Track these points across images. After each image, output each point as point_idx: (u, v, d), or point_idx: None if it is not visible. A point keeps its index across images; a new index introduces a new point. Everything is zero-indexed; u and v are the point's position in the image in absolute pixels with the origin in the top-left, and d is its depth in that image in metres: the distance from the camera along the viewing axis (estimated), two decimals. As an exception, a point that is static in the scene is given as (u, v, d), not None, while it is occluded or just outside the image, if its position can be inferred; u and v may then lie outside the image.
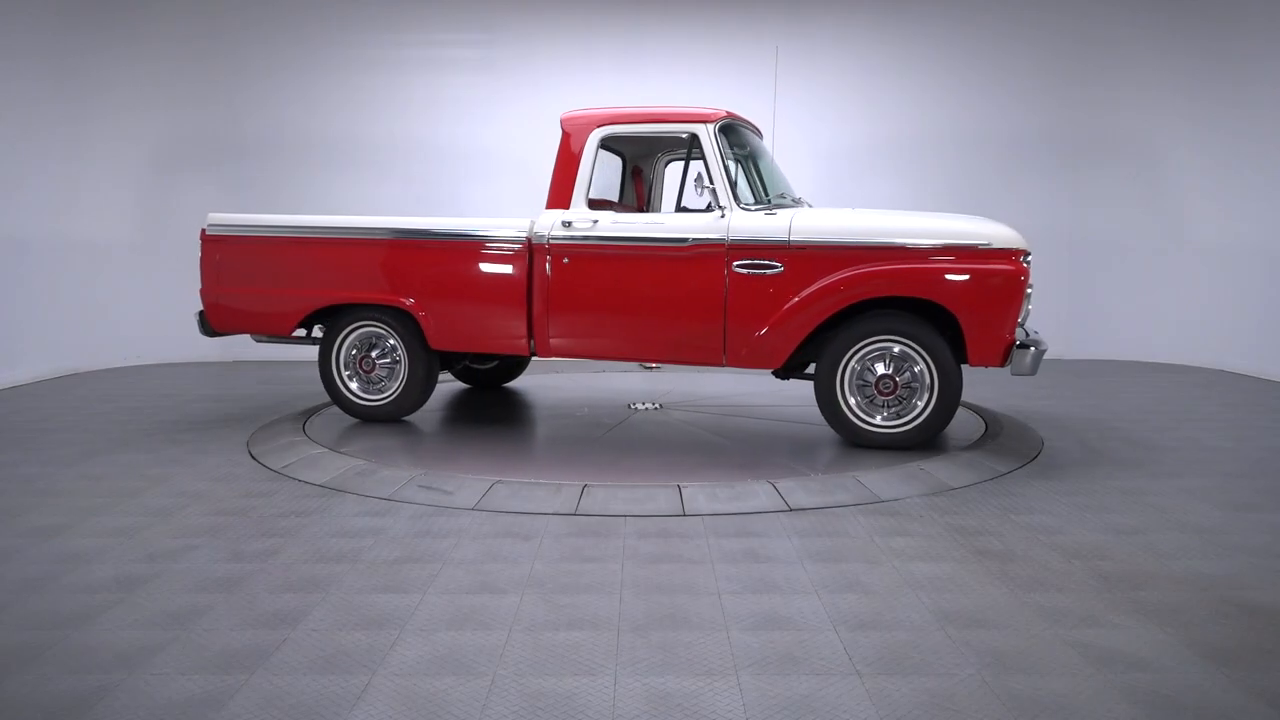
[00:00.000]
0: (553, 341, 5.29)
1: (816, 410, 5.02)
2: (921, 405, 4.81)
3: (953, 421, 5.67)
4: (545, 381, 7.38)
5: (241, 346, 8.80)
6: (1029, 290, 4.75)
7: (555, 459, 4.83)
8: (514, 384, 7.23)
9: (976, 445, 5.04)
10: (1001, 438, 5.22)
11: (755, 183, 5.53)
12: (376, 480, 4.39)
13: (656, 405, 6.20)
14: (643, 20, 8.90)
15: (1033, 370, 4.66)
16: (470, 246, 5.35)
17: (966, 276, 4.67)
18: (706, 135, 5.01)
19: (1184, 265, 8.57)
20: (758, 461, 4.69)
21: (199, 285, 5.80)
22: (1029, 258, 4.75)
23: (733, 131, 5.26)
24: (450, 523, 3.85)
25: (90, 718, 2.29)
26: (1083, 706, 2.33)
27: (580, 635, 2.76)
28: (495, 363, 6.99)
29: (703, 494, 4.12)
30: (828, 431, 5.15)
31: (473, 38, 8.91)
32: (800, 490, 4.17)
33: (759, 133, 5.85)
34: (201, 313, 5.84)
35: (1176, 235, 8.65)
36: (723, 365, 5.05)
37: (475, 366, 7.05)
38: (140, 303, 8.66)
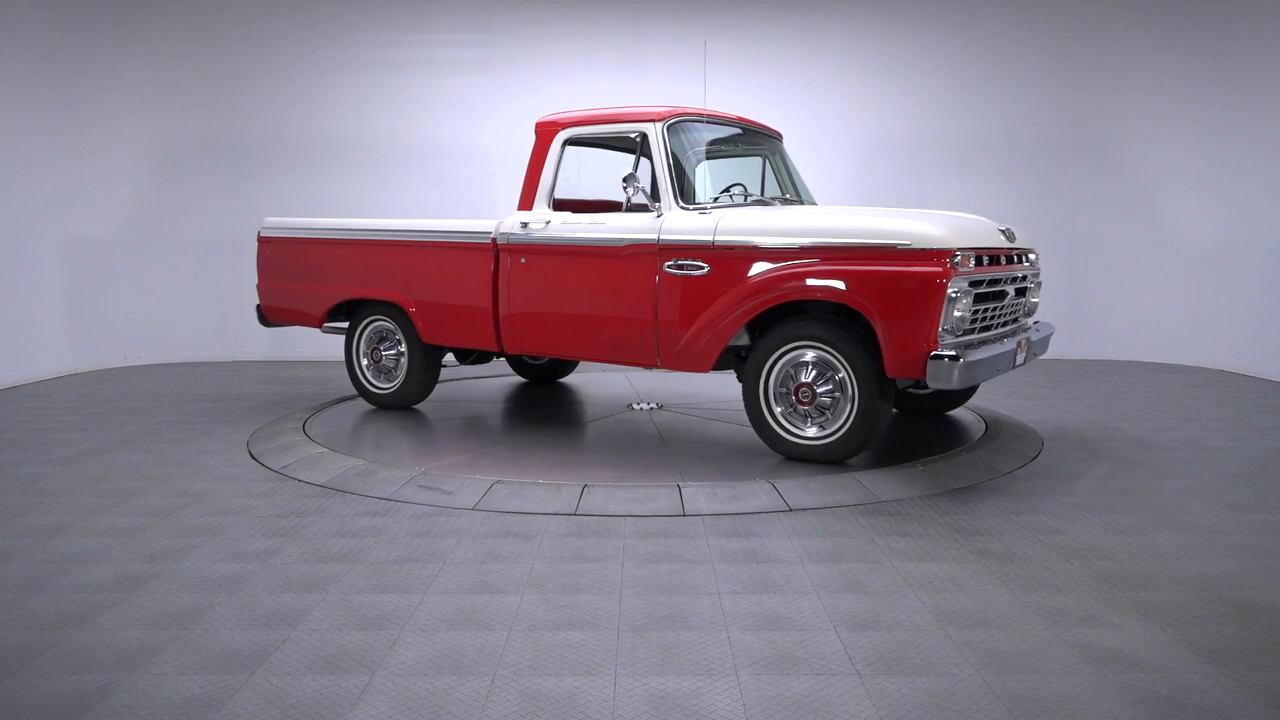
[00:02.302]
0: (514, 338, 5.46)
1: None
2: (844, 416, 4.49)
3: (953, 421, 5.69)
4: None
5: (241, 346, 8.86)
6: (953, 294, 4.20)
7: (555, 459, 4.83)
8: (513, 384, 7.23)
9: (976, 445, 5.03)
10: (1001, 438, 5.22)
11: (782, 183, 5.52)
12: (376, 480, 4.39)
13: (656, 405, 6.20)
14: (643, 20, 8.90)
15: (960, 384, 4.12)
16: (447, 246, 5.67)
17: (880, 279, 4.27)
18: (655, 134, 4.97)
19: (1184, 265, 8.57)
20: (757, 461, 4.69)
21: (256, 281, 6.57)
22: (958, 258, 4.22)
23: (696, 130, 5.21)
24: (450, 523, 3.85)
25: (90, 718, 2.29)
26: (1083, 706, 2.33)
27: (580, 635, 2.76)
28: (545, 359, 7.16)
29: (703, 494, 4.12)
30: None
31: (473, 38, 8.91)
32: (800, 490, 4.17)
33: (774, 134, 5.80)
34: (259, 306, 6.56)
35: (1177, 235, 8.64)
36: (657, 367, 5.01)
37: (529, 361, 7.25)
38: (140, 303, 8.66)
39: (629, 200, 4.94)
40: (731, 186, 5.31)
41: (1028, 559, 3.40)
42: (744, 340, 4.84)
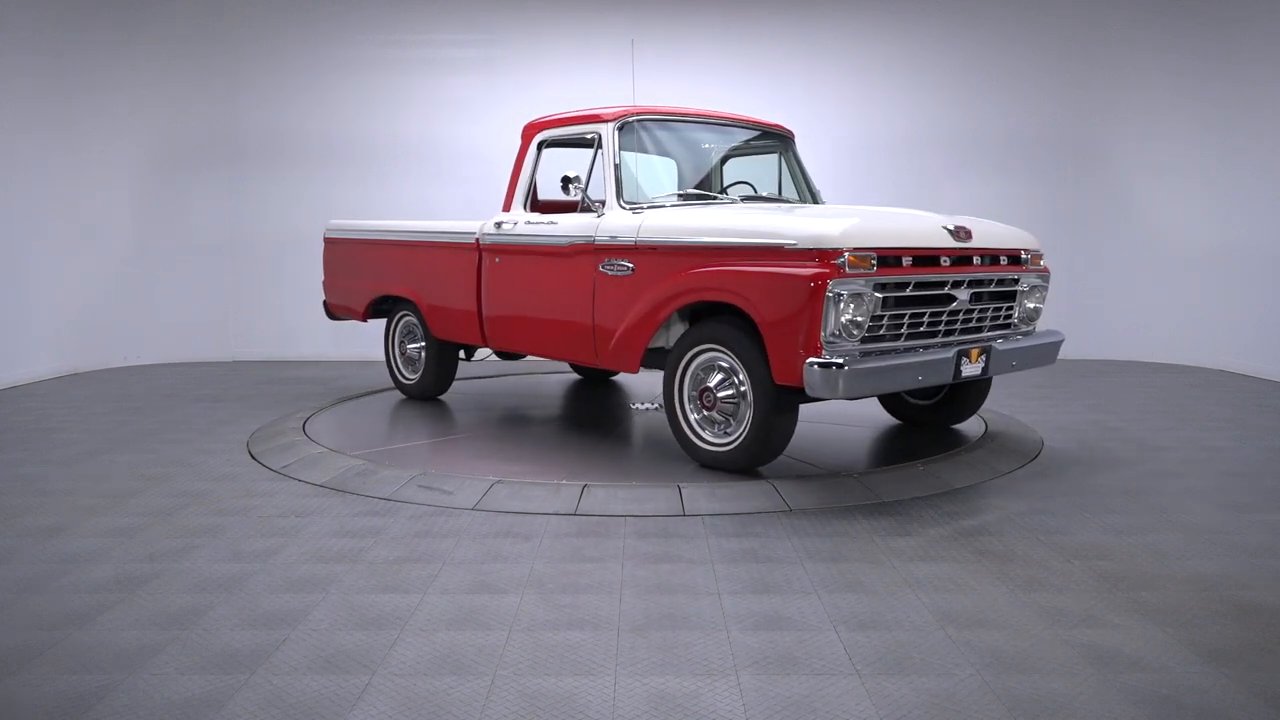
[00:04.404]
0: (496, 335, 5.63)
1: (814, 410, 4.99)
2: (744, 422, 4.32)
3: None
4: (544, 380, 7.37)
5: (241, 346, 8.86)
6: (840, 295, 3.91)
7: (555, 459, 4.82)
8: (509, 384, 7.23)
9: (976, 445, 5.03)
10: (1001, 438, 5.22)
11: (796, 182, 5.50)
12: (376, 480, 4.39)
13: (656, 405, 6.19)
14: (643, 21, 8.89)
15: (847, 394, 3.88)
16: (443, 246, 5.91)
17: (758, 280, 4.09)
18: (606, 134, 5.00)
19: (1184, 265, 8.56)
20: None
21: (322, 278, 7.09)
22: (846, 258, 3.91)
23: (660, 130, 5.22)
24: (450, 523, 3.85)
25: (90, 718, 2.29)
26: (1083, 706, 2.33)
27: (580, 635, 2.76)
28: None
29: (703, 494, 4.12)
30: (828, 431, 5.14)
31: (472, 38, 8.91)
32: (800, 490, 4.17)
33: (783, 133, 5.72)
34: (324, 302, 7.08)
35: (1177, 235, 8.64)
36: (597, 365, 5.03)
37: None
38: (140, 303, 8.66)
39: (583, 202, 4.95)
40: (730, 186, 5.30)
41: (1028, 559, 3.40)
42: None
